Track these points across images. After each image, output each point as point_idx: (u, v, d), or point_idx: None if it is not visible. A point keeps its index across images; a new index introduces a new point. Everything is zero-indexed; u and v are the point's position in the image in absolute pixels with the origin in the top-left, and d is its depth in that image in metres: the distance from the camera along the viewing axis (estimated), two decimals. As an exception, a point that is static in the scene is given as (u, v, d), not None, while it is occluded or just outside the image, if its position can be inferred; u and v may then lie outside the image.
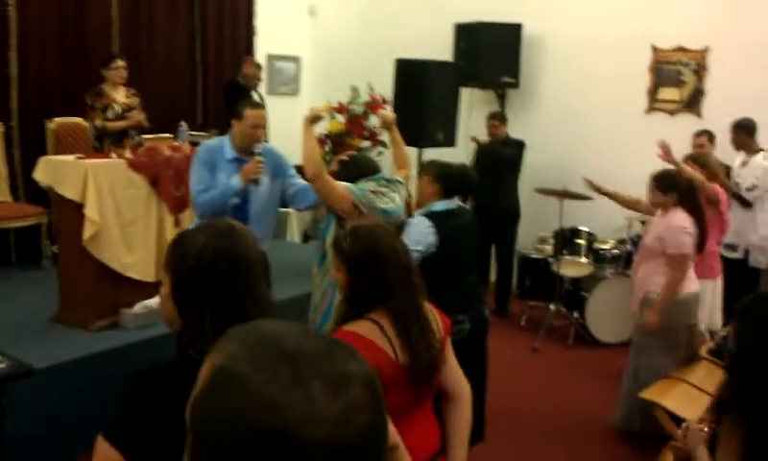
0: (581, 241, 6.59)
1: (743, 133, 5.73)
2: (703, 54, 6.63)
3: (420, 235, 3.48)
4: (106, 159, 4.76)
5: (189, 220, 4.77)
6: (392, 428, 1.74)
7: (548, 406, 5.06)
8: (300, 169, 3.90)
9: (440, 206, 3.67)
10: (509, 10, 7.21)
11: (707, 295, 4.86)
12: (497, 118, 6.82)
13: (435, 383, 2.35)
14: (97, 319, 4.50)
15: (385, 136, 5.57)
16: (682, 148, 5.40)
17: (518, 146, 6.77)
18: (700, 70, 6.67)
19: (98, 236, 4.45)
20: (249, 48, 8.15)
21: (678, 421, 3.93)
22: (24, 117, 6.17)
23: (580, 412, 4.97)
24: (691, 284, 4.44)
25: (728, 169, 5.79)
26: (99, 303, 4.54)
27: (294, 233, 7.68)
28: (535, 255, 7.08)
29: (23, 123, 6.17)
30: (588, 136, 7.05)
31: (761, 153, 5.69)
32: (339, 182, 3.56)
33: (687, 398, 4.11)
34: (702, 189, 4.69)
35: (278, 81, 8.72)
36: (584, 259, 6.51)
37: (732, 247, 5.68)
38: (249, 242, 1.66)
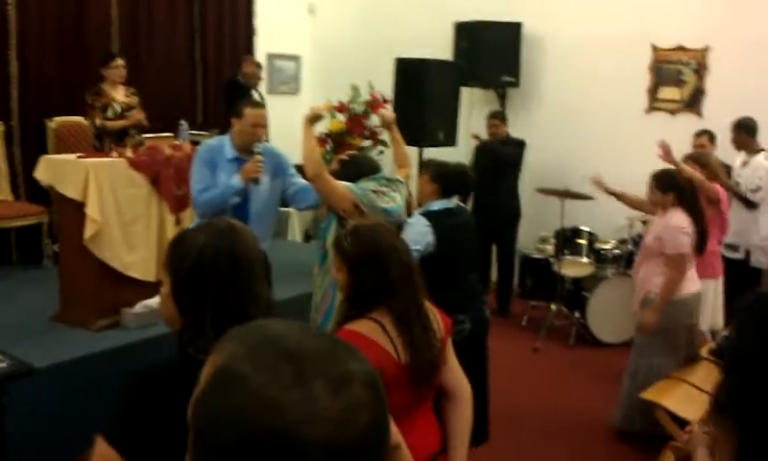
0: (582, 241, 6.59)
1: (744, 132, 5.72)
2: (703, 53, 6.62)
3: (417, 235, 3.48)
4: (106, 159, 4.76)
5: (190, 219, 4.76)
6: (393, 428, 1.74)
7: (549, 406, 5.06)
8: (300, 168, 3.89)
9: (438, 205, 3.67)
10: (509, 9, 7.21)
11: (708, 295, 4.85)
12: (498, 117, 6.81)
13: (436, 383, 2.35)
14: (98, 318, 4.50)
15: (385, 136, 5.56)
16: (682, 148, 5.39)
17: (519, 145, 6.77)
18: (700, 70, 6.67)
19: (99, 235, 4.45)
20: (249, 47, 8.14)
21: (678, 421, 3.94)
22: (24, 116, 6.17)
23: (581, 412, 4.96)
24: (692, 284, 4.43)
25: (728, 169, 5.79)
26: (100, 303, 4.54)
27: (295, 233, 7.68)
28: (536, 255, 7.08)
29: (24, 122, 6.17)
30: (588, 136, 7.05)
31: (762, 153, 5.68)
32: (339, 182, 3.56)
33: (688, 398, 4.11)
34: (702, 189, 4.68)
35: (278, 80, 8.72)
36: (585, 259, 6.50)
37: (733, 247, 5.67)
38: (249, 241, 1.66)
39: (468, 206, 4.09)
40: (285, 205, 4.37)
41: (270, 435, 0.73)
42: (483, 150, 6.73)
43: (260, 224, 3.81)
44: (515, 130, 6.89)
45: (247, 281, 1.60)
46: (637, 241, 5.92)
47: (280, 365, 0.77)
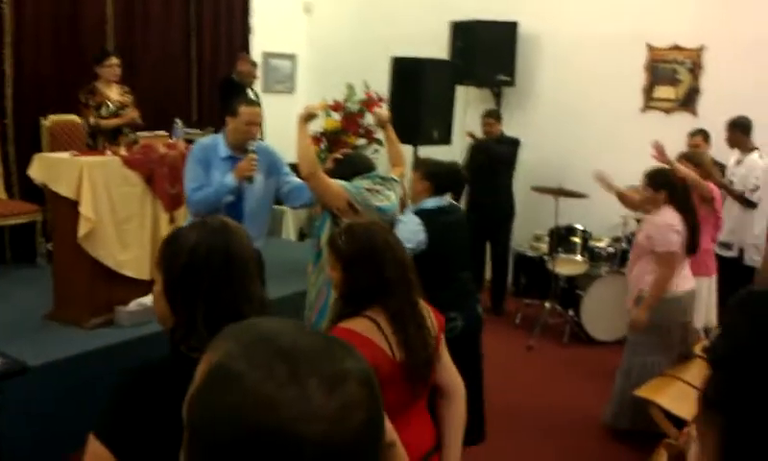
0: (576, 239, 6.59)
1: (738, 131, 5.74)
2: (698, 52, 6.64)
3: (409, 233, 3.47)
4: (100, 157, 4.75)
5: (184, 218, 4.75)
6: (388, 425, 1.74)
7: (543, 404, 5.07)
8: (295, 167, 3.89)
9: (430, 203, 3.67)
10: (505, 8, 7.21)
11: (702, 293, 4.86)
12: (492, 116, 6.81)
13: (430, 380, 2.35)
14: (92, 316, 4.50)
15: (381, 134, 5.56)
16: (677, 147, 5.40)
17: (513, 144, 6.77)
18: (695, 69, 6.68)
19: (93, 234, 4.44)
20: (244, 45, 8.12)
21: (673, 418, 3.95)
22: (19, 114, 6.15)
23: (575, 410, 4.97)
24: (686, 282, 4.45)
25: (722, 167, 5.81)
26: (94, 301, 4.53)
27: (290, 231, 7.67)
28: (530, 253, 7.09)
29: (18, 120, 6.15)
30: (583, 135, 7.06)
31: (756, 151, 5.71)
32: (334, 180, 3.56)
33: (682, 395, 4.11)
34: (696, 188, 4.70)
35: (274, 78, 8.70)
36: (579, 257, 6.51)
37: (726, 245, 5.69)
38: (242, 240, 1.66)
39: (462, 204, 4.09)
40: (279, 203, 4.37)
41: (265, 432, 0.73)
42: (477, 148, 6.74)
43: (254, 222, 3.80)
44: (510, 128, 6.89)
45: (240, 280, 1.60)
46: (631, 239, 5.91)
47: (275, 363, 0.77)
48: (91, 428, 1.50)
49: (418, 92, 6.47)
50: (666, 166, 4.70)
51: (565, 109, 7.19)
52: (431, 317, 2.36)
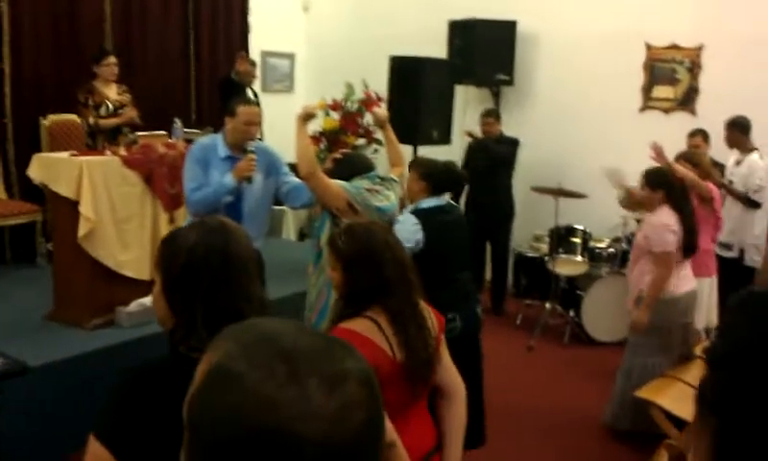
0: (576, 239, 6.59)
1: (737, 131, 5.74)
2: (697, 51, 6.64)
3: (407, 233, 3.46)
4: (100, 157, 4.75)
5: (184, 217, 4.75)
6: (389, 426, 1.74)
7: (544, 405, 5.07)
8: (294, 167, 3.88)
9: (428, 203, 3.66)
10: (503, 7, 7.21)
11: (703, 293, 4.86)
12: (491, 116, 6.81)
13: (431, 381, 2.35)
14: (92, 317, 4.49)
15: (380, 134, 5.56)
16: (676, 146, 5.39)
17: (512, 144, 6.76)
18: (694, 68, 6.68)
19: (93, 234, 4.44)
20: (243, 44, 8.11)
21: (673, 419, 3.95)
22: (18, 114, 6.14)
23: (576, 410, 4.97)
24: (687, 283, 4.44)
25: (721, 167, 5.80)
26: (94, 301, 4.53)
27: (290, 231, 7.67)
28: (530, 254, 7.09)
29: (17, 120, 6.14)
30: (582, 134, 7.06)
31: (755, 151, 5.70)
32: (333, 180, 3.55)
33: (683, 396, 4.11)
34: (695, 188, 4.69)
35: (273, 78, 8.70)
36: (579, 258, 6.50)
37: (727, 246, 5.68)
38: (241, 240, 1.65)
39: (461, 203, 4.08)
40: (279, 203, 4.37)
41: (265, 432, 0.73)
42: (476, 148, 6.74)
43: (253, 222, 3.79)
44: (509, 128, 6.89)
45: (239, 280, 1.60)
46: (631, 240, 5.91)
47: (275, 363, 0.77)
48: (91, 429, 1.50)
49: (417, 91, 6.46)
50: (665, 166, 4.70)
51: (565, 108, 7.19)
52: (432, 318, 2.36)
